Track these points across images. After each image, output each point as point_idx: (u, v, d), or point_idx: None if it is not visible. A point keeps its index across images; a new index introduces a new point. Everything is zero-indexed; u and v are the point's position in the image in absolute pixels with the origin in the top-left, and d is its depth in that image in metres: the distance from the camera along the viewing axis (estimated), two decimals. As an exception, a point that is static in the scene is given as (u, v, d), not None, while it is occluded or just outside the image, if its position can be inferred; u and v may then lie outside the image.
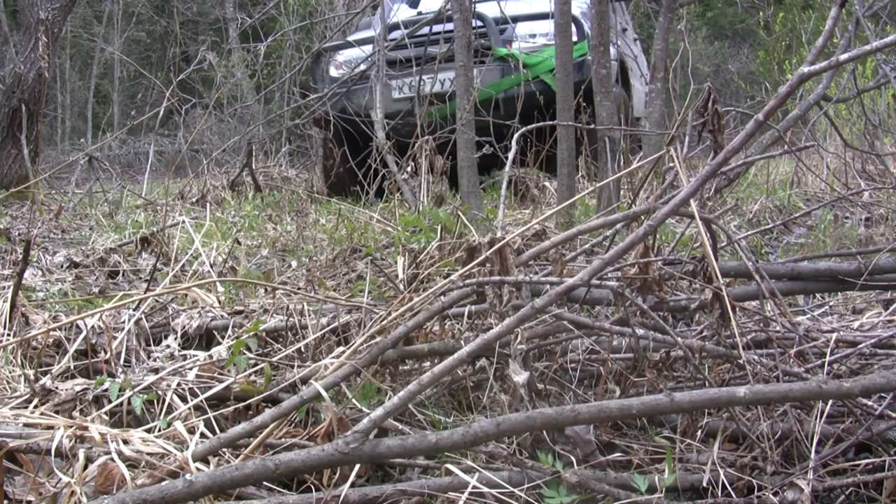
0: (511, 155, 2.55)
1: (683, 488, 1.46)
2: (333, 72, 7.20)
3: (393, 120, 6.05)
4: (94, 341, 2.15)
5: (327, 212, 4.97)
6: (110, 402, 1.76)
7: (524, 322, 1.53)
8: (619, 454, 1.58)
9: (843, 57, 1.61)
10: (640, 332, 1.69)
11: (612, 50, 6.30)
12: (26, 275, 3.16)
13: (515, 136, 2.63)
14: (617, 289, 1.66)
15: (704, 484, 1.46)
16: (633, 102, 7.74)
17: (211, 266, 3.15)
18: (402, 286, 2.42)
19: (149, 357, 2.20)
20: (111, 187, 6.85)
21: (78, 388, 1.82)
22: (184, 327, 2.34)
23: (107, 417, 1.73)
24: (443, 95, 5.98)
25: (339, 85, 6.97)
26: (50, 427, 1.59)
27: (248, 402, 1.78)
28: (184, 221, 3.29)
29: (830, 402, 1.57)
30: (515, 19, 6.42)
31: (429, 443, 1.37)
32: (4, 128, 7.04)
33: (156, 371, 1.98)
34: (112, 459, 1.41)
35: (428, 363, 1.87)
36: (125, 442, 1.50)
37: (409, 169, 4.30)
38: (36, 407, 1.77)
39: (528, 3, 6.40)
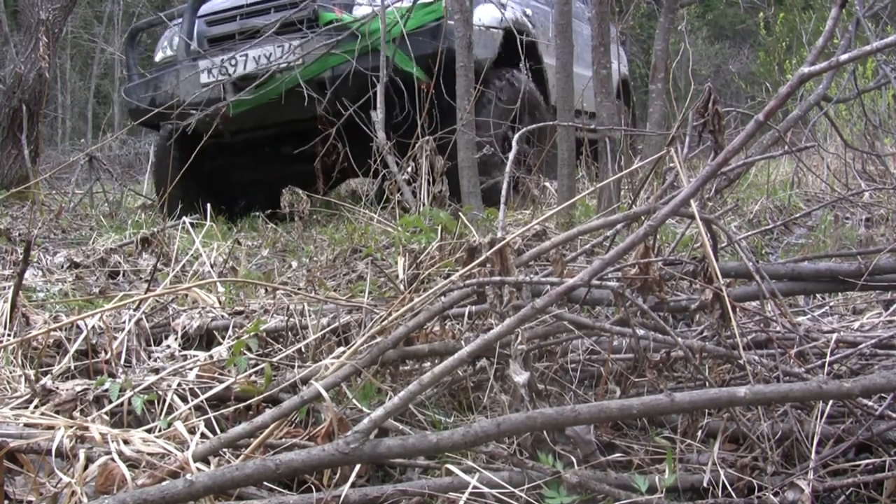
0: (511, 155, 2.55)
1: (684, 488, 1.46)
2: (160, 55, 5.95)
3: (200, 110, 5.10)
4: (94, 341, 2.15)
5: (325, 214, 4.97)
6: (111, 402, 1.76)
7: (524, 322, 1.53)
8: (619, 454, 1.58)
9: (844, 57, 1.61)
10: (641, 332, 1.69)
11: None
12: (27, 275, 3.16)
13: (516, 136, 2.63)
14: (617, 289, 1.66)
15: (705, 484, 1.46)
16: (549, 87, 6.00)
17: (211, 266, 3.15)
18: (402, 286, 2.42)
19: (149, 357, 2.20)
20: (111, 187, 6.85)
21: (78, 389, 1.82)
22: (184, 327, 2.34)
23: (107, 417, 1.73)
24: (255, 77, 4.99)
25: (157, 70, 5.78)
26: (50, 427, 1.59)
27: (248, 402, 1.78)
28: (184, 221, 3.29)
29: (831, 402, 1.57)
30: None
31: (429, 443, 1.37)
32: (5, 128, 7.04)
33: (156, 371, 1.98)
34: (112, 459, 1.41)
35: (428, 363, 1.87)
36: (126, 442, 1.50)
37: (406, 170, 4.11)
38: (36, 407, 1.77)
39: None
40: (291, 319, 2.21)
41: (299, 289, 2.69)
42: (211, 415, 1.73)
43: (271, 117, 4.98)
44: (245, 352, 2.01)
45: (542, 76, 5.92)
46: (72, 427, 1.54)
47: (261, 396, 1.78)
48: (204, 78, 5.29)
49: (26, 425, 1.62)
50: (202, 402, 1.78)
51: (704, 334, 1.91)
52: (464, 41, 4.12)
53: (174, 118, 5.16)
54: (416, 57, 4.78)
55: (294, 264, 3.62)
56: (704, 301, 1.68)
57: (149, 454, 1.46)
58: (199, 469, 1.39)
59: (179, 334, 2.32)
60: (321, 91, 4.90)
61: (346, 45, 4.89)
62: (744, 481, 1.47)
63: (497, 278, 1.69)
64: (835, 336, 1.87)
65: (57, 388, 1.84)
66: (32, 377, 1.93)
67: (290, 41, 4.98)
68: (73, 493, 1.35)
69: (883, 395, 1.56)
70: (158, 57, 5.91)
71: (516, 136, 2.63)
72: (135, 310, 2.37)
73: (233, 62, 5.14)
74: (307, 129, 5.30)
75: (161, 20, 5.87)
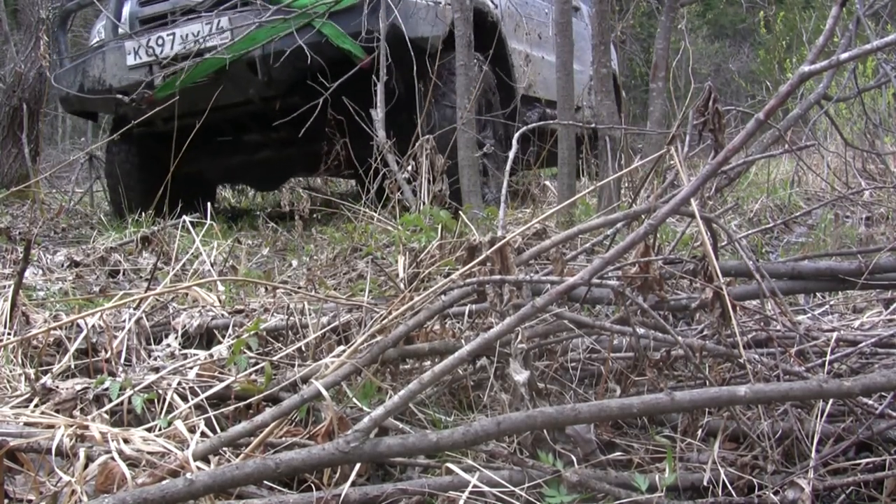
0: (511, 155, 2.55)
1: (684, 487, 1.46)
2: (96, 38, 5.56)
3: (129, 94, 4.87)
4: (94, 340, 2.15)
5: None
6: (111, 401, 1.76)
7: (525, 321, 1.53)
8: (619, 453, 1.58)
9: (844, 56, 1.61)
10: (641, 331, 1.69)
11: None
12: (27, 274, 3.16)
13: (517, 134, 2.63)
14: (617, 288, 1.66)
15: (705, 483, 1.46)
16: (515, 74, 5.71)
17: (211, 265, 3.15)
18: (402, 285, 2.42)
19: (149, 356, 2.20)
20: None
21: (78, 388, 1.82)
22: (184, 326, 2.34)
23: (107, 416, 1.73)
24: (186, 57, 4.71)
25: (87, 53, 5.41)
26: (50, 426, 1.59)
27: (248, 401, 1.78)
28: (184, 220, 3.28)
29: (831, 401, 1.57)
30: None
31: (429, 442, 1.37)
32: (5, 127, 7.05)
33: (156, 370, 1.98)
34: (112, 458, 1.41)
35: (428, 362, 1.87)
36: (126, 441, 1.50)
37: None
38: (36, 406, 1.77)
39: None
40: (291, 318, 2.21)
41: (299, 287, 2.69)
42: (211, 414, 1.73)
43: (203, 102, 4.50)
44: (245, 350, 2.01)
45: (506, 62, 5.58)
46: (72, 426, 1.54)
47: (261, 395, 1.78)
48: (131, 60, 5.00)
49: (26, 424, 1.62)
50: (202, 400, 1.78)
51: (705, 333, 1.91)
52: (464, 39, 4.12)
53: (102, 105, 4.96)
54: (353, 34, 4.51)
55: (294, 263, 3.62)
56: (705, 300, 1.68)
57: (149, 453, 1.46)
58: (199, 468, 1.39)
59: (179, 333, 2.32)
60: (252, 71, 4.65)
61: (280, 22, 4.57)
62: (744, 480, 1.47)
63: (497, 277, 1.69)
64: (835, 335, 1.88)
65: (57, 386, 1.84)
66: (32, 376, 1.93)
67: (219, 18, 4.74)
68: (73, 492, 1.35)
69: (883, 393, 1.56)
70: (94, 40, 5.57)
71: (517, 134, 2.62)
72: (135, 309, 2.36)
73: (160, 42, 4.85)
74: (247, 114, 5.07)
75: (91, 1, 5.58)
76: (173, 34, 4.81)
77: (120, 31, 5.18)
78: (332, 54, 4.53)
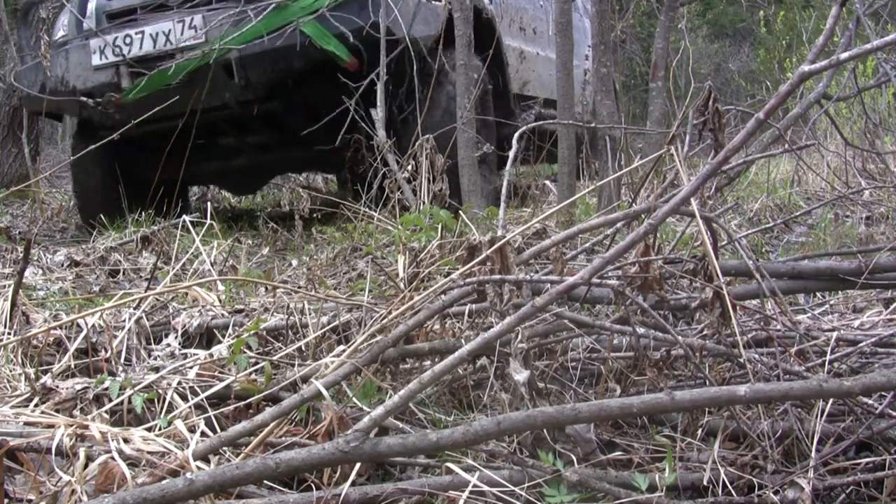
0: (512, 154, 2.55)
1: (684, 487, 1.46)
2: (60, 33, 5.03)
3: (94, 98, 4.54)
4: (94, 340, 2.15)
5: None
6: (111, 400, 1.76)
7: (525, 321, 1.53)
8: (619, 453, 1.58)
9: (844, 55, 1.61)
10: (641, 330, 1.69)
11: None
12: (27, 273, 3.16)
13: (516, 134, 2.62)
14: (617, 287, 1.66)
15: (705, 482, 1.46)
16: (510, 73, 5.49)
17: (211, 265, 3.15)
18: (402, 285, 2.42)
19: (149, 356, 2.21)
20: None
21: (78, 387, 1.82)
22: (184, 326, 2.34)
23: (107, 416, 1.73)
24: (156, 58, 4.38)
25: (52, 51, 4.95)
26: (50, 426, 1.59)
27: (248, 400, 1.78)
28: (184, 220, 3.28)
29: (831, 400, 1.57)
30: None
31: (429, 441, 1.37)
32: (5, 126, 7.05)
33: (156, 370, 1.98)
34: (113, 458, 1.41)
35: (428, 362, 1.87)
36: (126, 441, 1.50)
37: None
38: (36, 406, 1.77)
39: None
40: (291, 318, 2.21)
41: (299, 287, 2.69)
42: (211, 413, 1.73)
43: (175, 107, 4.17)
44: (245, 350, 2.01)
45: (500, 60, 5.30)
46: (72, 426, 1.54)
47: (261, 395, 1.78)
48: (96, 60, 4.60)
49: (26, 424, 1.62)
50: (202, 400, 1.78)
51: (705, 333, 1.90)
52: (464, 39, 4.11)
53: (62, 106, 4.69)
54: (340, 34, 4.24)
55: (294, 263, 3.62)
56: (705, 299, 1.68)
57: (149, 453, 1.46)
58: (199, 468, 1.39)
59: (179, 333, 2.32)
60: (228, 75, 4.36)
61: (259, 21, 4.28)
62: (744, 480, 1.47)
63: (497, 276, 1.69)
64: (835, 334, 1.88)
65: (57, 386, 1.84)
66: (32, 376, 1.93)
67: (192, 16, 4.42)
68: (73, 491, 1.35)
69: (883, 393, 1.56)
70: (57, 35, 5.07)
71: (517, 133, 2.62)
72: (135, 308, 2.36)
73: (127, 41, 4.49)
74: (223, 119, 4.80)
75: None
76: (142, 32, 4.50)
77: (85, 26, 4.81)
78: (315, 56, 4.30)
